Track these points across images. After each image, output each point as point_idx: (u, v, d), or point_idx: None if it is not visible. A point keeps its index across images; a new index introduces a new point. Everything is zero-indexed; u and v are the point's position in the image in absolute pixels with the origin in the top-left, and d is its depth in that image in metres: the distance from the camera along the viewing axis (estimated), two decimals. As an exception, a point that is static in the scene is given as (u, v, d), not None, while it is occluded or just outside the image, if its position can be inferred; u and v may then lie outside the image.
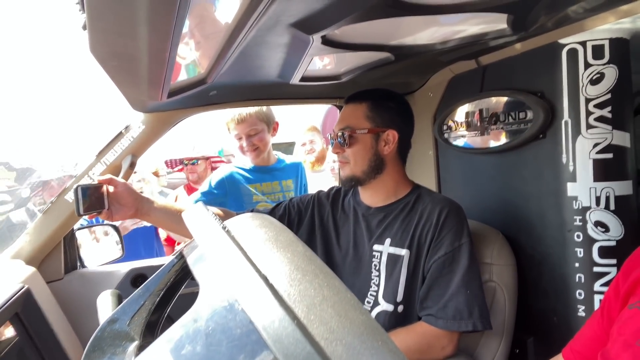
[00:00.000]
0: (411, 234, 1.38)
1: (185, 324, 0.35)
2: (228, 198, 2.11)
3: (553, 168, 1.36)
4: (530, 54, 1.40)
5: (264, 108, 2.17)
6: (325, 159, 3.26)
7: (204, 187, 2.15)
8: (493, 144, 1.56)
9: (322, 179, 3.12)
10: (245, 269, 0.34)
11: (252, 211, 1.63)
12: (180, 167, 3.53)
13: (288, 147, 4.44)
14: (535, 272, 1.46)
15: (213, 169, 3.62)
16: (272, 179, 2.23)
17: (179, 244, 3.20)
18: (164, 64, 0.98)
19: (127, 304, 0.47)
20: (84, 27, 0.79)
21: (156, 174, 4.20)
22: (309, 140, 3.28)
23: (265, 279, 0.33)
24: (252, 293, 0.32)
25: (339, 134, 1.41)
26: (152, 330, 0.47)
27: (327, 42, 1.15)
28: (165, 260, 1.90)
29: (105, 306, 0.59)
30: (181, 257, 0.49)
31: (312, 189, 2.45)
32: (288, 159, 2.37)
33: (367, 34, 1.23)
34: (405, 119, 1.47)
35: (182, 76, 1.41)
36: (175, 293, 0.50)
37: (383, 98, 1.44)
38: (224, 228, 0.37)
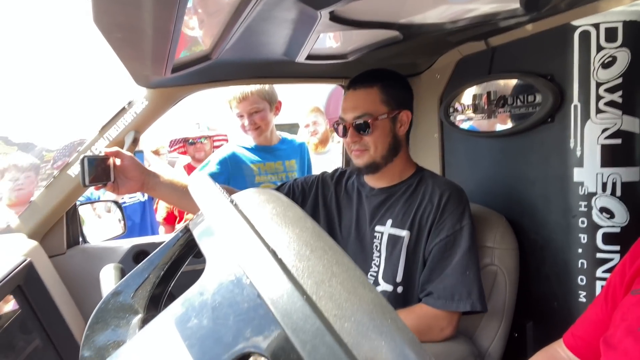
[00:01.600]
0: (412, 215, 1.37)
1: (192, 297, 0.34)
2: (230, 177, 2.10)
3: (560, 153, 1.34)
4: (541, 36, 1.37)
5: (267, 87, 2.14)
6: (328, 140, 3.24)
7: (205, 167, 2.13)
8: (500, 127, 1.54)
9: (325, 160, 3.10)
10: (253, 243, 0.33)
11: None
12: (180, 145, 3.48)
13: (291, 128, 4.41)
14: (537, 257, 1.45)
15: (215, 147, 3.60)
16: (275, 159, 2.21)
17: (179, 222, 3.19)
18: (169, 38, 0.96)
19: (131, 277, 0.47)
20: (88, -4, 0.77)
21: (157, 152, 4.17)
22: (312, 122, 3.25)
23: (273, 253, 0.32)
24: (260, 267, 0.31)
25: (357, 122, 1.38)
26: (156, 303, 0.47)
27: (335, 18, 1.12)
28: (167, 237, 1.91)
29: (108, 279, 0.59)
30: (186, 231, 0.48)
31: (315, 171, 2.45)
32: (292, 138, 2.36)
33: (375, 11, 1.20)
34: (410, 97, 1.47)
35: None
36: (179, 267, 0.50)
37: (392, 78, 1.43)
38: (231, 201, 0.36)
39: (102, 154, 1.38)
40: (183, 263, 0.50)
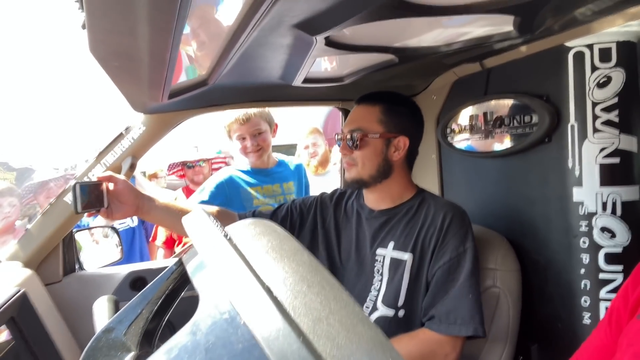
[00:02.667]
0: (415, 237, 1.36)
1: (184, 336, 0.33)
2: (228, 201, 2.09)
3: (558, 172, 1.34)
4: (536, 57, 1.38)
5: (266, 109, 2.15)
6: (328, 162, 3.23)
7: (203, 191, 2.11)
8: (497, 147, 1.54)
9: (325, 182, 3.10)
10: (248, 280, 0.32)
11: (253, 214, 1.61)
12: (178, 168, 3.46)
13: (289, 149, 4.42)
14: (540, 278, 1.44)
15: (213, 170, 3.59)
16: (272, 182, 2.20)
17: (178, 245, 3.15)
18: (165, 64, 0.97)
19: (124, 313, 0.45)
20: (83, 26, 0.78)
21: (155, 175, 4.16)
22: (312, 143, 3.25)
23: (268, 291, 0.31)
24: (255, 305, 0.30)
25: (349, 135, 1.39)
26: (149, 339, 0.45)
27: (330, 43, 1.13)
28: (165, 263, 1.89)
29: (101, 313, 0.57)
30: (180, 264, 0.47)
31: (314, 192, 2.44)
32: (288, 161, 2.35)
33: (371, 36, 1.21)
34: (417, 125, 1.46)
35: (183, 78, 1.40)
36: (173, 301, 0.48)
37: (396, 102, 1.43)
38: (225, 236, 0.35)
39: (94, 179, 1.37)
40: (178, 296, 0.48)
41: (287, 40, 1.11)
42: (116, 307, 0.60)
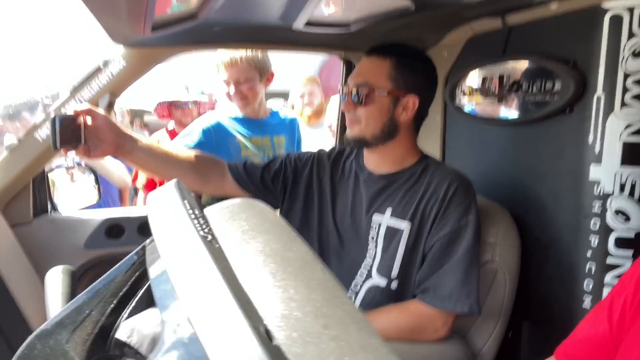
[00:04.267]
0: (414, 206, 1.27)
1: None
2: (215, 149, 1.95)
3: (576, 147, 1.23)
4: (566, 17, 1.24)
5: (259, 54, 1.97)
6: (323, 113, 3.08)
7: (188, 135, 1.96)
8: (510, 115, 1.42)
9: (316, 135, 2.96)
10: (235, 316, 0.20)
11: (244, 165, 1.48)
12: (164, 108, 3.24)
13: (280, 97, 4.22)
14: (540, 256, 1.36)
15: (201, 113, 3.39)
16: (262, 134, 2.06)
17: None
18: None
19: (69, 312, 0.34)
20: None
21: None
22: (309, 92, 3.09)
23: (265, 337, 0.20)
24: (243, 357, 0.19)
25: (354, 89, 1.25)
26: (98, 349, 0.34)
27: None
28: (145, 210, 1.77)
29: (54, 290, 0.46)
30: (142, 255, 0.35)
31: (305, 146, 2.31)
32: (282, 113, 2.20)
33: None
34: (430, 84, 1.33)
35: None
36: (134, 296, 0.37)
37: (410, 57, 1.29)
38: (205, 237, 0.24)
39: (71, 112, 1.23)
40: (139, 289, 0.37)
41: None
42: (73, 281, 0.48)
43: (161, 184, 2.76)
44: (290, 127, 2.17)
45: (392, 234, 1.28)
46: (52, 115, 1.12)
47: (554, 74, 1.27)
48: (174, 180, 0.37)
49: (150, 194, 0.34)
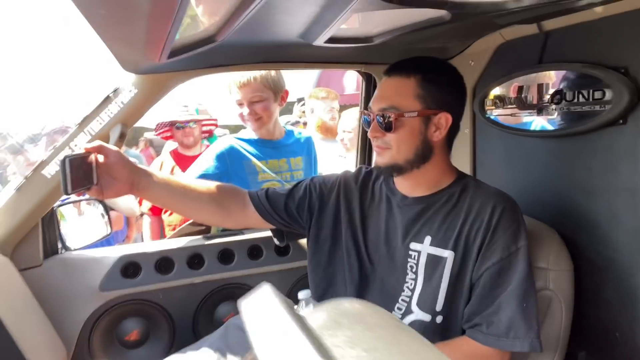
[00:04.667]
0: (457, 232, 1.16)
1: None
2: (230, 174, 1.86)
3: (632, 161, 1.13)
4: (614, 20, 1.14)
5: (272, 73, 1.87)
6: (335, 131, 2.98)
7: (201, 163, 1.87)
8: (553, 126, 1.32)
9: (330, 148, 2.86)
10: None
11: (267, 193, 1.38)
12: (166, 129, 3.14)
13: (286, 107, 4.12)
14: (596, 280, 1.26)
15: (204, 133, 3.28)
16: (279, 156, 1.96)
17: (165, 212, 2.88)
18: (172, 15, 0.71)
19: None
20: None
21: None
22: (330, 108, 3.01)
23: None
24: None
25: (380, 114, 1.15)
26: None
27: (382, -8, 0.88)
28: (163, 245, 1.66)
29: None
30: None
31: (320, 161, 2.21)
32: (297, 132, 2.11)
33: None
34: (459, 98, 1.23)
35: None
36: None
37: (436, 71, 1.19)
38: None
39: (82, 150, 1.12)
40: None
41: (327, -14, 0.86)
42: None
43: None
44: (307, 147, 2.08)
45: (434, 264, 1.17)
46: (63, 157, 1.01)
47: (603, 82, 1.17)
48: (266, 286, 0.27)
49: (243, 304, 0.24)
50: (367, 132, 1.24)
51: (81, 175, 1.08)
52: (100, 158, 1.14)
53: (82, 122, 1.41)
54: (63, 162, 1.01)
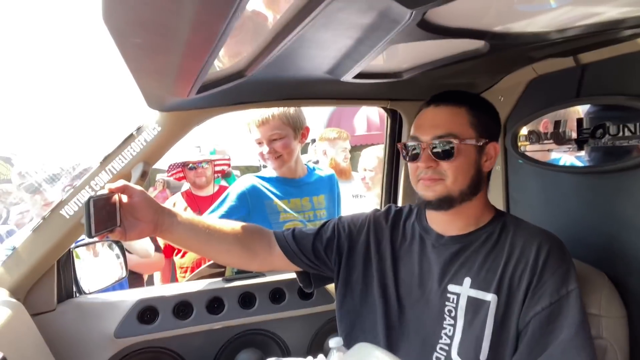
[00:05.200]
0: (499, 274, 1.08)
1: None
2: (251, 214, 1.80)
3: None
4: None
5: (292, 110, 1.84)
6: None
7: (223, 203, 1.82)
8: (595, 162, 1.25)
9: (348, 187, 2.80)
10: None
11: (293, 233, 1.32)
12: (178, 169, 3.13)
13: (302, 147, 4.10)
14: (652, 327, 1.15)
15: (216, 173, 3.26)
16: (301, 195, 1.90)
17: (177, 254, 2.81)
18: (208, 50, 0.67)
19: None
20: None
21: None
22: (343, 149, 2.99)
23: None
24: None
25: (435, 142, 1.10)
26: None
27: (423, 23, 0.84)
28: (179, 289, 1.59)
29: None
30: None
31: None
32: (320, 170, 2.06)
33: (467, 16, 0.92)
34: (499, 130, 1.21)
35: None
36: None
37: (479, 103, 1.17)
38: None
39: (106, 190, 1.08)
40: None
41: (367, 18, 0.82)
42: None
43: (180, 249, 2.54)
44: (330, 185, 2.02)
45: (476, 307, 1.09)
46: (87, 199, 0.96)
47: (651, 115, 1.11)
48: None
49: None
50: (397, 167, 1.19)
51: (104, 216, 1.03)
52: (124, 198, 1.10)
53: (103, 161, 1.37)
54: (87, 203, 0.96)
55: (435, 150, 1.09)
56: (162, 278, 3.02)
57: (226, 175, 3.31)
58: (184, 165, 3.04)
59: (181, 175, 3.16)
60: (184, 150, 3.11)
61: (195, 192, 3.05)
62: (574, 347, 0.98)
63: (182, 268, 2.81)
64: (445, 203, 1.12)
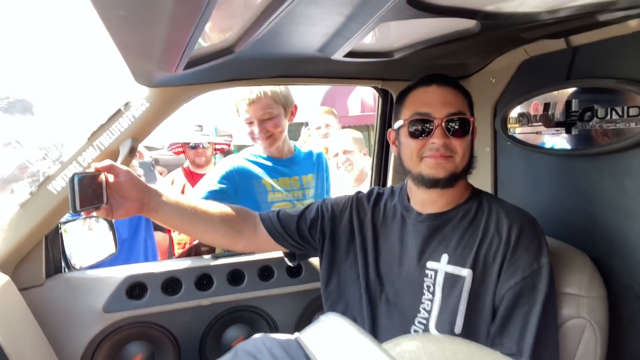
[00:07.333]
0: (475, 250, 1.11)
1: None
2: (238, 194, 1.79)
3: (672, 181, 1.07)
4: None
5: (281, 88, 1.81)
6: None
7: (210, 180, 1.80)
8: (584, 144, 1.26)
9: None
10: None
11: (278, 215, 1.33)
12: (178, 146, 3.16)
13: (296, 128, 4.06)
14: (632, 308, 1.18)
15: (216, 151, 3.29)
16: (290, 174, 1.89)
17: (184, 246, 2.81)
18: (193, 23, 0.66)
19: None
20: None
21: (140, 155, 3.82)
22: (325, 124, 2.94)
23: None
24: None
25: (452, 119, 1.11)
26: None
27: (413, 1, 0.83)
28: (170, 266, 1.60)
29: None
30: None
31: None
32: (306, 149, 2.04)
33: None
34: None
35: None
36: None
37: (462, 86, 1.21)
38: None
39: (92, 169, 1.08)
40: None
41: (357, -7, 0.81)
42: None
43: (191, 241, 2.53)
44: (318, 164, 2.01)
45: (452, 283, 1.12)
46: (72, 175, 0.97)
47: (639, 98, 1.11)
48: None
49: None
50: (387, 148, 1.19)
51: (90, 194, 1.04)
52: (111, 177, 1.11)
53: (91, 136, 1.36)
54: (72, 179, 0.98)
55: (451, 125, 1.11)
56: (159, 253, 3.04)
57: (226, 154, 3.33)
58: (185, 144, 3.07)
59: (180, 150, 3.20)
60: (185, 129, 3.14)
61: (194, 169, 3.08)
62: (543, 316, 1.03)
63: (179, 244, 2.84)
64: (453, 180, 1.14)
